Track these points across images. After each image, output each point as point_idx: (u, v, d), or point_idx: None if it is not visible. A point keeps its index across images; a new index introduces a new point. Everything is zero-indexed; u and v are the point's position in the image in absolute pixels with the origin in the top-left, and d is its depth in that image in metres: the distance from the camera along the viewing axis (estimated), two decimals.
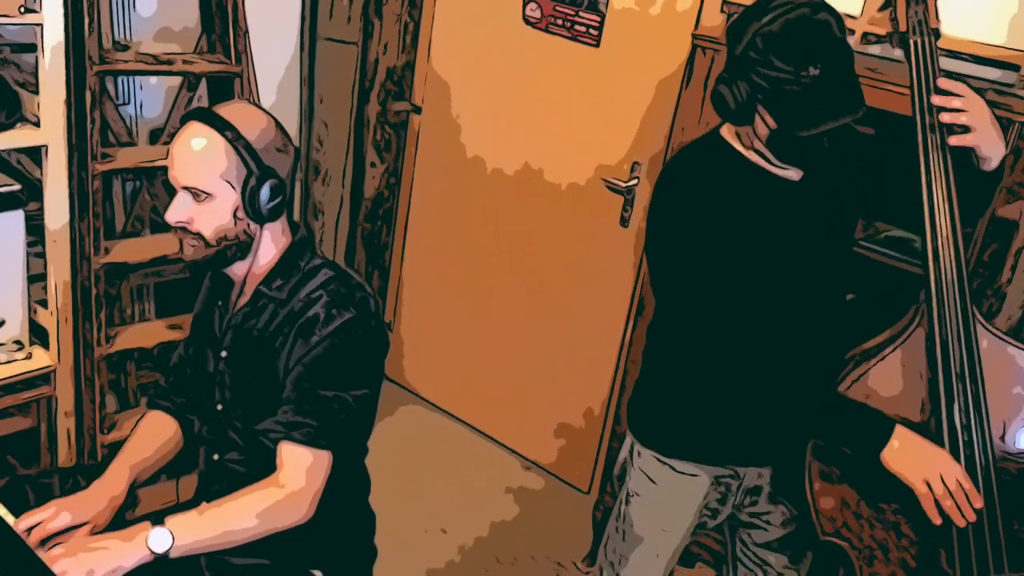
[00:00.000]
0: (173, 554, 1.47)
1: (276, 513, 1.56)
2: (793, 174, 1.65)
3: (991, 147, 1.58)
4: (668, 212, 1.66)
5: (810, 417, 1.60)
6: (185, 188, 1.55)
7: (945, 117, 1.56)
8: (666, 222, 1.66)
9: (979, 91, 1.59)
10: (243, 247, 1.61)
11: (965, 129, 1.56)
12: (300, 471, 1.57)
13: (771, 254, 1.65)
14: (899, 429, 1.54)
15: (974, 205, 1.68)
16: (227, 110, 1.57)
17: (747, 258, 1.61)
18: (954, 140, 1.56)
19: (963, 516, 1.53)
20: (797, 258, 1.68)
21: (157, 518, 1.49)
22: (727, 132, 1.68)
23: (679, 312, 1.67)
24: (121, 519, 1.69)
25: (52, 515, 1.59)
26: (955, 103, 1.55)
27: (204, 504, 1.55)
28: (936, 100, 1.55)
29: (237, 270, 1.66)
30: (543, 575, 2.78)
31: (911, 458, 1.53)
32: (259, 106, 1.64)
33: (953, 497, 1.52)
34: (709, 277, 1.60)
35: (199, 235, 1.57)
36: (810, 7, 1.51)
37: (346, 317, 1.58)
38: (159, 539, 1.46)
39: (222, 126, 1.53)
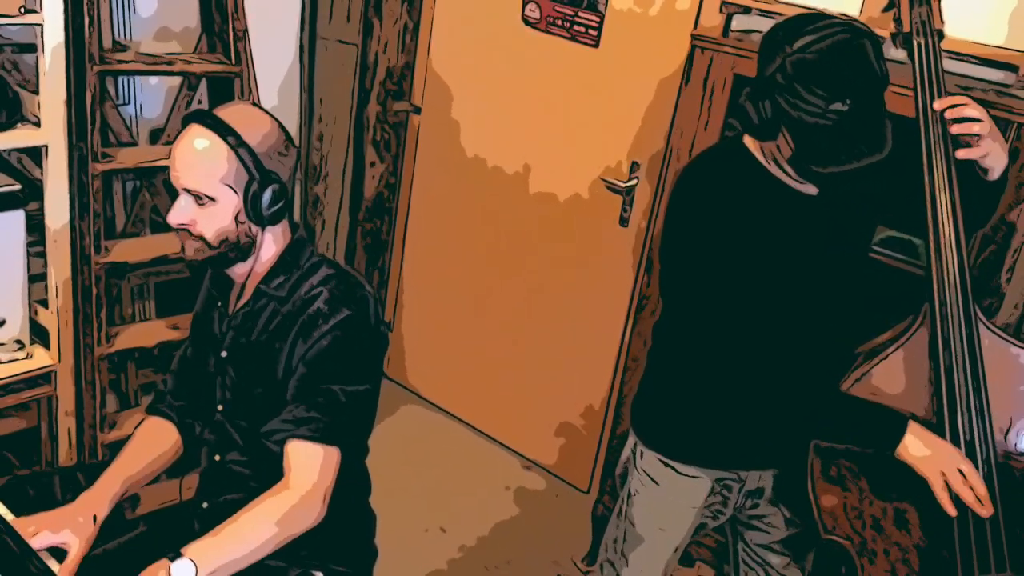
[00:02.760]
0: None
1: (292, 518, 1.53)
2: (811, 188, 1.64)
3: (995, 158, 1.58)
4: (684, 216, 1.66)
5: (822, 417, 1.59)
6: (186, 190, 1.55)
7: (955, 129, 1.54)
8: (681, 226, 1.66)
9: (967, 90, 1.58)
10: (244, 249, 1.61)
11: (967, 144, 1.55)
12: (309, 469, 1.55)
13: (784, 264, 1.64)
14: (912, 424, 1.54)
15: (978, 213, 1.68)
16: (229, 112, 1.57)
17: (760, 267, 1.60)
18: (961, 153, 1.55)
19: (981, 507, 1.53)
20: (810, 269, 1.67)
21: (174, 553, 1.44)
22: (749, 141, 1.65)
23: (688, 316, 1.66)
24: (121, 519, 1.69)
25: (33, 530, 1.58)
26: (966, 112, 1.53)
27: (219, 526, 1.52)
28: (949, 113, 1.53)
29: (238, 270, 1.66)
30: (543, 574, 2.78)
31: (927, 451, 1.53)
32: (261, 108, 1.64)
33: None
34: (720, 284, 1.59)
35: (201, 237, 1.57)
36: (849, 32, 1.46)
37: (346, 313, 1.58)
38: (182, 571, 1.43)
39: (224, 130, 1.53)
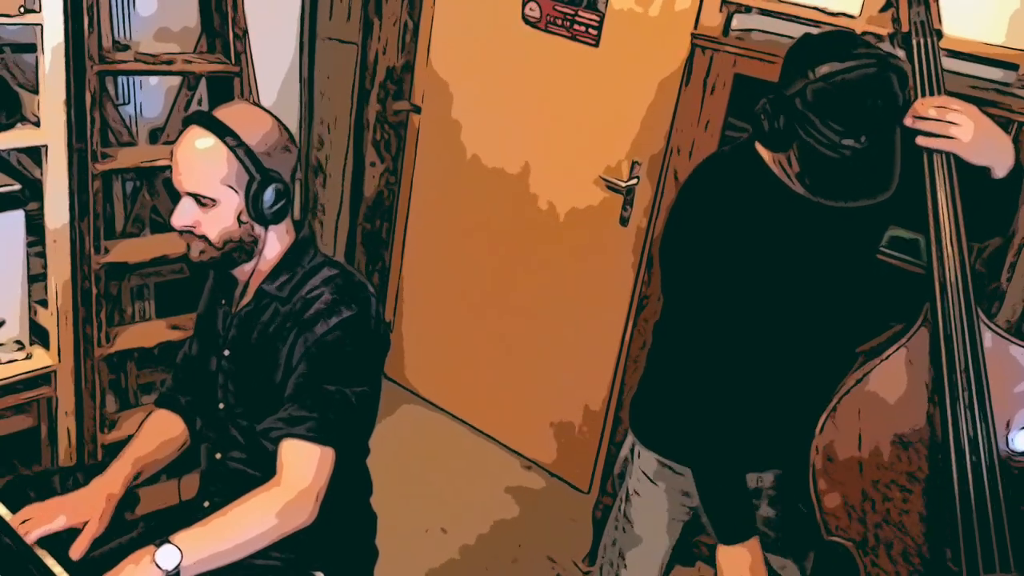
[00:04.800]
0: (187, 571, 1.45)
1: (283, 516, 1.52)
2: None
3: (987, 156, 1.53)
4: (689, 217, 1.65)
5: (710, 485, 1.67)
6: (188, 193, 1.56)
7: (920, 140, 1.53)
8: (686, 227, 1.65)
9: (956, 92, 1.56)
10: (248, 249, 1.61)
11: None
12: (302, 468, 1.55)
13: (787, 268, 1.64)
14: (752, 541, 1.65)
15: (996, 214, 1.65)
16: (228, 113, 1.57)
17: (762, 270, 1.60)
18: (920, 140, 1.52)
19: None
20: (814, 274, 1.67)
21: (162, 539, 1.46)
22: (760, 146, 1.63)
23: (689, 317, 1.66)
24: (121, 519, 1.69)
25: (47, 515, 1.61)
26: (928, 125, 1.51)
27: (208, 517, 1.53)
28: (907, 122, 1.51)
29: (243, 269, 1.66)
30: (543, 574, 2.78)
31: (734, 569, 1.65)
32: (261, 107, 1.64)
33: None
34: (722, 285, 1.59)
35: (204, 238, 1.58)
36: (877, 64, 1.42)
37: (347, 314, 1.58)
38: (166, 556, 1.43)
39: (223, 131, 1.53)
